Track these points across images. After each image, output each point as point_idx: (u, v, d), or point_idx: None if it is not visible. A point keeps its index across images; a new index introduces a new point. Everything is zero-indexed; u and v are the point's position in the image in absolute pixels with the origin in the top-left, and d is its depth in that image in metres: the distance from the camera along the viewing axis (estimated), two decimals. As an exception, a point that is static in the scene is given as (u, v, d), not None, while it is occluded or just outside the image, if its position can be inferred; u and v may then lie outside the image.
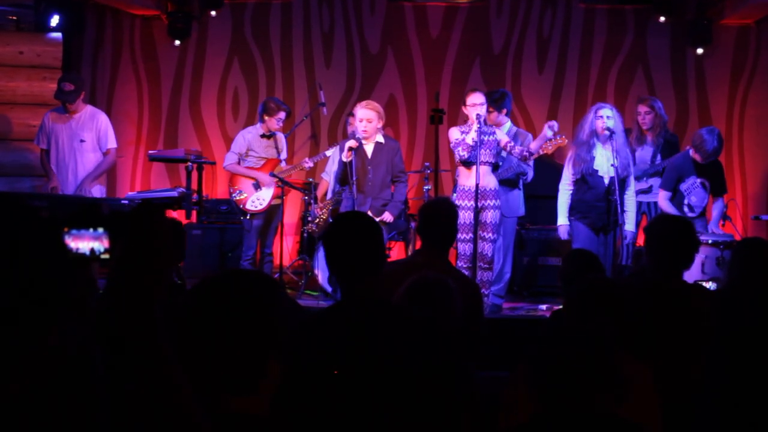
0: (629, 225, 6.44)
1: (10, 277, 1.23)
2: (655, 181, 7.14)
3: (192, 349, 1.66)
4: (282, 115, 7.25)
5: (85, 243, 1.38)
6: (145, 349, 1.30)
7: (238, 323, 1.66)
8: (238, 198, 7.20)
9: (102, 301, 1.29)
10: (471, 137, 6.30)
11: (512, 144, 6.48)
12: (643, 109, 7.27)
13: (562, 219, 6.49)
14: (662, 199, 6.70)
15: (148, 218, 1.32)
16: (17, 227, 1.26)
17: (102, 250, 1.38)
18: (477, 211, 6.30)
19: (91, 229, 1.38)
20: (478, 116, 6.28)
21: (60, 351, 1.31)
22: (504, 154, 6.69)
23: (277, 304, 1.74)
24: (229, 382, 1.64)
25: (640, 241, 7.33)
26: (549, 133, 6.32)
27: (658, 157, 7.23)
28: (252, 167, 7.27)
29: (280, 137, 7.45)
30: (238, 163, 7.31)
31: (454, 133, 6.50)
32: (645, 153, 7.26)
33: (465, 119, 6.64)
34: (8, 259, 1.23)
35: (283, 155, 7.43)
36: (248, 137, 7.32)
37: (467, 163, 6.41)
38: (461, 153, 6.34)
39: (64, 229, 1.37)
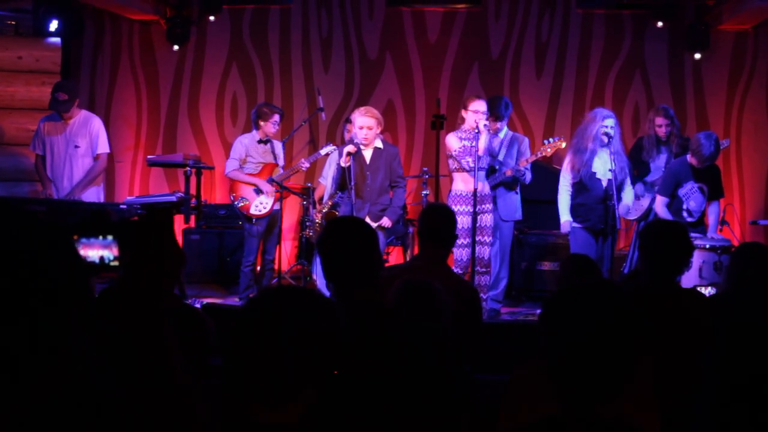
0: (626, 199, 6.63)
1: (24, 287, 1.23)
2: None
3: (235, 357, 1.65)
4: (276, 117, 7.25)
5: (95, 251, 1.39)
6: (153, 352, 1.30)
7: (292, 344, 1.65)
8: (241, 205, 7.18)
9: (111, 306, 1.29)
10: (482, 146, 6.40)
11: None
12: (664, 121, 7.24)
13: (566, 216, 6.57)
14: (659, 205, 6.71)
15: (155, 226, 1.32)
16: (29, 237, 1.27)
17: (111, 257, 1.39)
18: (475, 216, 6.33)
19: (101, 237, 1.39)
20: (486, 126, 6.42)
21: (71, 357, 1.32)
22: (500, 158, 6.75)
23: (330, 331, 1.71)
24: (262, 396, 1.64)
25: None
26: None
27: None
28: (251, 173, 7.28)
29: (277, 144, 7.46)
30: (239, 169, 7.31)
31: (454, 142, 6.54)
32: (660, 161, 7.26)
33: (462, 122, 6.67)
34: (21, 269, 1.24)
35: (280, 162, 7.43)
36: (245, 142, 7.33)
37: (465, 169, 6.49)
38: (471, 164, 6.40)
39: (75, 237, 1.38)
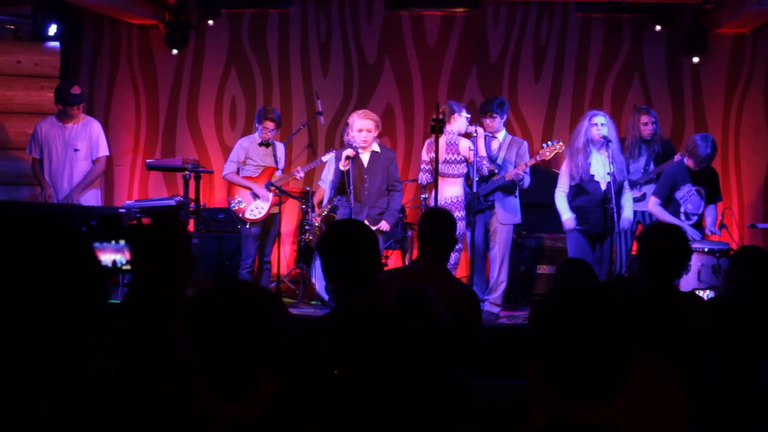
0: (627, 211, 6.53)
1: (43, 290, 1.24)
2: (649, 189, 7.17)
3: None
4: (268, 125, 7.21)
5: (108, 255, 1.40)
6: (167, 358, 1.31)
7: (233, 334, 1.67)
8: (237, 207, 7.21)
9: (123, 311, 1.30)
10: (483, 150, 6.62)
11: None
12: (650, 119, 7.30)
13: (567, 214, 6.55)
14: (653, 205, 6.71)
15: (168, 229, 1.33)
16: (48, 240, 1.27)
17: (124, 262, 1.40)
18: (474, 220, 6.38)
19: (113, 242, 1.40)
20: (485, 131, 6.65)
21: (87, 360, 1.32)
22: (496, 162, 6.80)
23: (275, 317, 1.75)
24: (219, 391, 1.64)
25: (634, 249, 7.40)
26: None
27: (651, 165, 7.27)
28: (250, 176, 7.29)
29: (280, 147, 7.47)
30: (237, 171, 7.33)
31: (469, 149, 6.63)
32: (640, 163, 7.29)
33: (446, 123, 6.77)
34: (41, 272, 1.24)
35: (281, 165, 7.44)
36: (246, 145, 7.35)
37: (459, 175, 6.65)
38: (489, 168, 6.61)
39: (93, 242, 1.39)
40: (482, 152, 6.55)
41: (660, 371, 2.68)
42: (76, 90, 7.07)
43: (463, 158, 6.61)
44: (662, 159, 7.26)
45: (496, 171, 6.79)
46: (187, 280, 1.38)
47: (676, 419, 2.60)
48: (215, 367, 1.64)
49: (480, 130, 6.62)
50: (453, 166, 6.60)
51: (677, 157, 7.07)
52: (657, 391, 2.57)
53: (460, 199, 6.61)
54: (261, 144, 7.32)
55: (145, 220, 1.41)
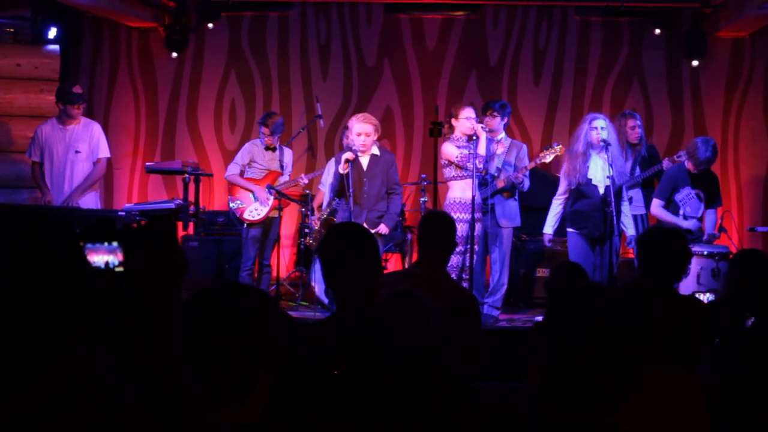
0: (631, 230, 6.50)
1: (36, 289, 1.24)
2: (634, 193, 7.16)
3: (184, 359, 1.66)
4: (264, 130, 7.28)
5: (101, 257, 1.41)
6: (159, 358, 1.31)
7: (229, 336, 1.67)
8: (236, 207, 7.25)
9: (118, 311, 1.30)
10: (483, 147, 6.48)
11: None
12: (635, 123, 7.30)
13: (548, 228, 6.71)
14: (656, 207, 6.72)
15: (162, 231, 1.33)
16: (51, 244, 1.27)
17: (117, 263, 1.41)
18: (473, 224, 6.37)
19: (107, 243, 1.40)
20: (484, 127, 6.55)
21: (80, 359, 1.32)
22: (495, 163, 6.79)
23: (270, 318, 1.75)
24: (217, 393, 1.64)
25: (630, 253, 7.40)
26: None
27: (637, 170, 7.27)
28: (253, 178, 7.32)
29: (287, 153, 7.50)
30: (241, 173, 7.36)
31: (453, 149, 6.59)
32: (626, 167, 7.28)
33: (450, 131, 6.73)
34: (44, 275, 1.25)
35: (288, 170, 7.46)
36: (251, 148, 7.40)
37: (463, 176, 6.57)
38: (480, 166, 6.50)
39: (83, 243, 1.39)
40: (480, 151, 6.48)
41: (669, 373, 2.69)
42: (77, 89, 7.10)
43: (446, 161, 6.64)
44: (648, 163, 7.27)
45: (495, 174, 6.79)
46: (180, 282, 1.38)
47: (698, 417, 2.60)
48: (213, 369, 1.64)
49: (479, 128, 6.55)
50: (442, 170, 6.66)
51: (665, 163, 7.08)
52: (672, 391, 2.57)
53: (458, 201, 6.60)
54: (267, 148, 7.35)
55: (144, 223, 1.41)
